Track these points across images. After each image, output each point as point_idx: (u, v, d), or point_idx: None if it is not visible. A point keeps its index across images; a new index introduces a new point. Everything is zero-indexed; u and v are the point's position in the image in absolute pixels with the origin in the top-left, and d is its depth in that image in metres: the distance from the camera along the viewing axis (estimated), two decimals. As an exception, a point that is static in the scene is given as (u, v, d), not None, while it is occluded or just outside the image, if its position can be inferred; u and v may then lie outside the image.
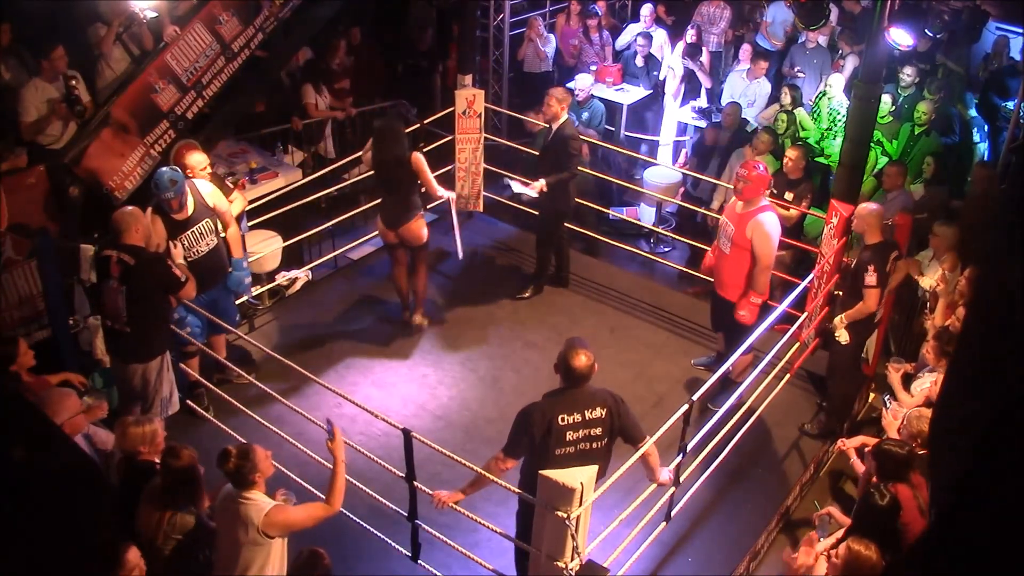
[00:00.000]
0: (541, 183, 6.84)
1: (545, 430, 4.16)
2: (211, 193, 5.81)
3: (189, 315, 5.75)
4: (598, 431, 4.23)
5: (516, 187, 7.12)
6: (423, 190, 6.66)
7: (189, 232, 5.65)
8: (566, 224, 7.45)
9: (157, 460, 4.32)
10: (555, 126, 6.88)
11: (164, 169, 5.57)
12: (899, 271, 6.05)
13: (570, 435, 4.18)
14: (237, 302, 6.31)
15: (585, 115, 8.58)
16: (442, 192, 6.75)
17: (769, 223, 5.83)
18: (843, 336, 5.92)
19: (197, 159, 5.91)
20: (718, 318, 6.46)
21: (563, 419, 4.16)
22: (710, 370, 6.61)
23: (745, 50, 9.18)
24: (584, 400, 4.23)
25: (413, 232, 6.61)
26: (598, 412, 4.23)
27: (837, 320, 5.91)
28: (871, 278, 5.66)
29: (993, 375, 1.57)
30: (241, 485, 3.92)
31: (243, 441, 4.44)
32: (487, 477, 4.33)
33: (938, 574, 1.64)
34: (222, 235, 5.91)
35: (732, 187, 6.00)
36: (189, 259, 5.67)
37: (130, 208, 5.23)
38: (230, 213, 5.97)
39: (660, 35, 9.78)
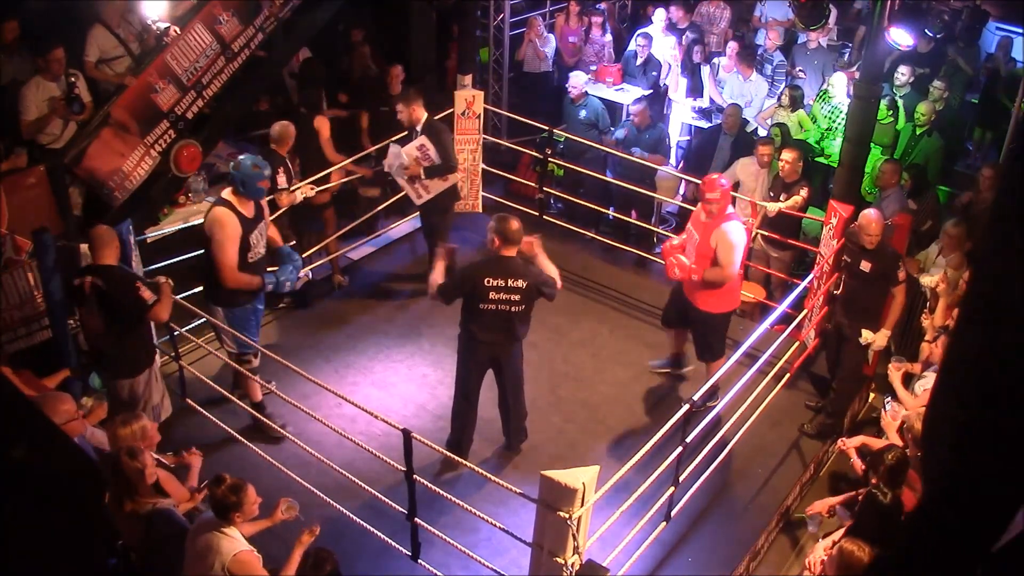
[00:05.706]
0: (426, 181, 6.82)
1: (473, 287, 5.18)
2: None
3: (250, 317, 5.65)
4: (516, 297, 5.20)
5: (394, 156, 6.81)
6: None
7: (256, 231, 5.49)
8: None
9: (154, 456, 4.34)
10: (419, 127, 6.83)
11: (248, 155, 5.53)
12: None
13: (492, 295, 5.18)
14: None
15: (583, 113, 8.49)
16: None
17: (734, 232, 5.69)
18: (879, 339, 5.92)
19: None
20: (675, 315, 6.29)
21: (488, 281, 5.15)
22: (666, 372, 6.62)
23: (732, 47, 9.10)
24: (511, 270, 5.19)
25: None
26: (520, 283, 5.19)
27: (869, 334, 5.91)
28: (903, 273, 5.78)
29: (982, 375, 1.59)
30: (219, 515, 3.94)
31: (250, 439, 4.43)
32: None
33: (920, 562, 1.66)
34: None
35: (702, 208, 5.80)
36: (251, 260, 5.50)
37: (106, 227, 5.17)
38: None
39: (670, 40, 9.52)
